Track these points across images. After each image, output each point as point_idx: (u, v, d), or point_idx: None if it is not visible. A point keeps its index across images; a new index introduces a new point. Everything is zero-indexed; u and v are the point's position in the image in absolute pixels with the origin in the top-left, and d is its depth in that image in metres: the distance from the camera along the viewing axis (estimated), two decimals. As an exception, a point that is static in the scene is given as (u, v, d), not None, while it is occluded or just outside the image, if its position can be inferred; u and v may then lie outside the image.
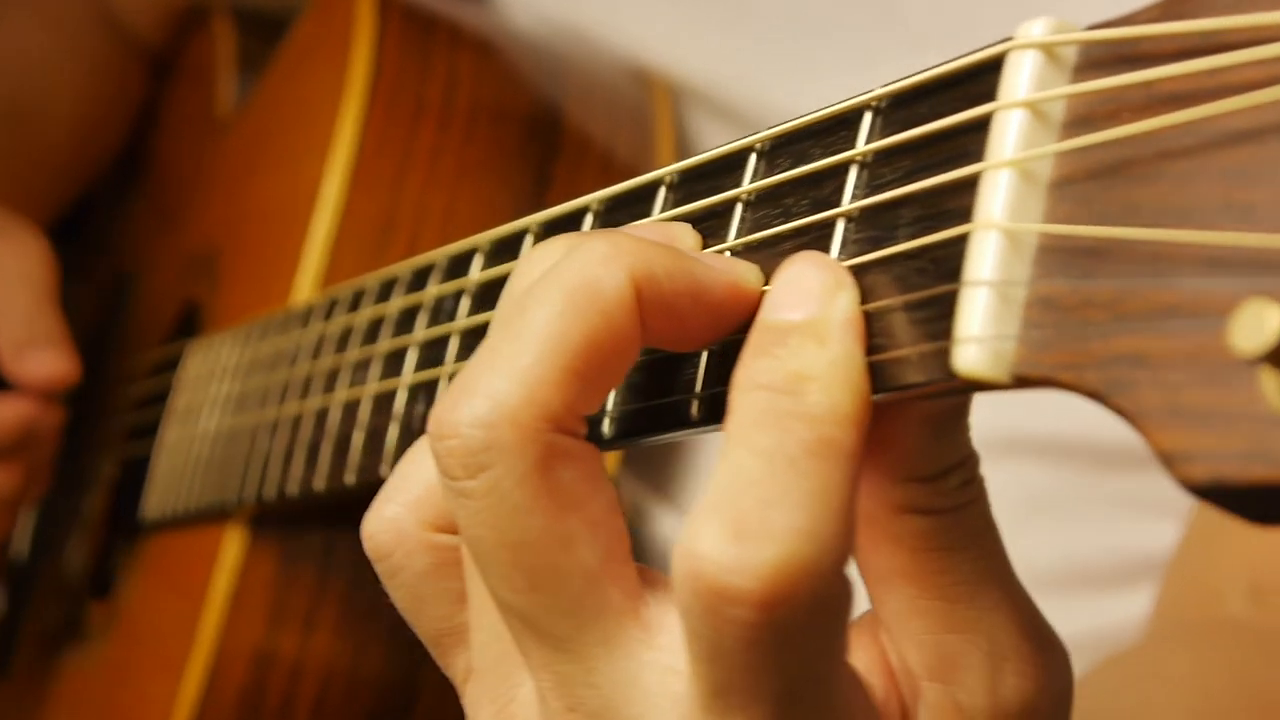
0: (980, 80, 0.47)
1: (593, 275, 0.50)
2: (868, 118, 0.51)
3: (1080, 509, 0.96)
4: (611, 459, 0.94)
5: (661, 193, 0.60)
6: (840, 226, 0.51)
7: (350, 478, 0.80)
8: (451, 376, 0.73)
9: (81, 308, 1.27)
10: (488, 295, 0.71)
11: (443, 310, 0.74)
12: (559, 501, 0.49)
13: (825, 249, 0.51)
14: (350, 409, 0.82)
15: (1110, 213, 0.43)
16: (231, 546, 0.91)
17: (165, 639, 0.96)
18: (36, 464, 1.12)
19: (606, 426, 0.57)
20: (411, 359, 0.76)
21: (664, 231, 0.57)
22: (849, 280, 0.49)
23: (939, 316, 0.46)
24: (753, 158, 0.56)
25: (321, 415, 0.84)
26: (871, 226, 0.50)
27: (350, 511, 0.87)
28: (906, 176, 0.49)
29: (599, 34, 1.08)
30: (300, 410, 0.87)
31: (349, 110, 0.95)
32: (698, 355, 0.55)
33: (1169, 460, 0.40)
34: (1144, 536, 0.96)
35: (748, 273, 0.53)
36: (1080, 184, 0.44)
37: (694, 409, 0.55)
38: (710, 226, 0.57)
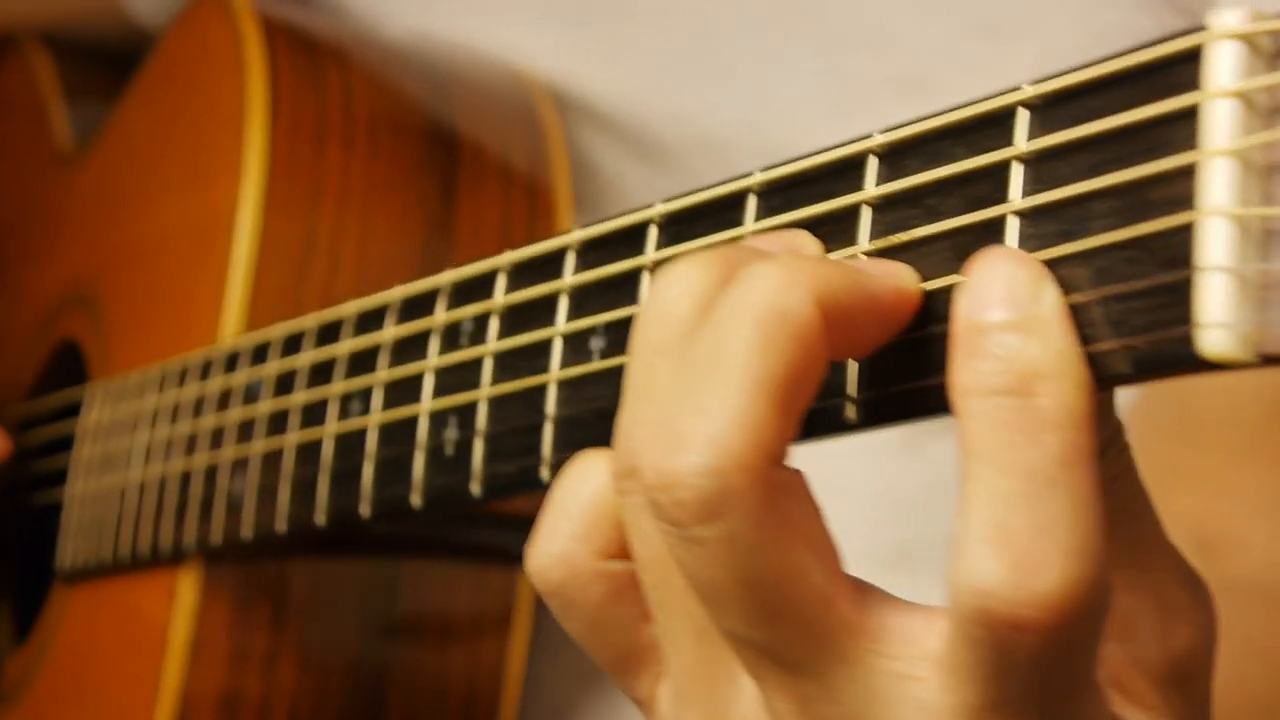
0: (1173, 72, 0.49)
1: (781, 303, 0.50)
2: (1022, 115, 0.53)
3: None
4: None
5: (752, 201, 0.61)
6: (1014, 223, 0.52)
7: (320, 518, 0.80)
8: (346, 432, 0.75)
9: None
10: (404, 350, 0.75)
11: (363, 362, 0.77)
12: (788, 533, 0.50)
13: (995, 244, 0.52)
14: (308, 449, 0.81)
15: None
16: (186, 591, 0.89)
17: (117, 690, 0.93)
18: None
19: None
20: (333, 410, 0.79)
21: (786, 240, 0.58)
22: (1048, 273, 0.50)
23: (1170, 304, 0.48)
24: (872, 160, 0.57)
25: (274, 456, 0.83)
26: (1055, 221, 0.51)
27: (300, 544, 0.86)
28: (1091, 170, 0.50)
29: (468, 40, 1.08)
30: (248, 452, 0.85)
31: (253, 135, 0.93)
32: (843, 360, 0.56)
33: None
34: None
35: (907, 275, 0.54)
36: (1310, 167, 0.46)
37: (849, 412, 0.56)
38: (828, 232, 0.58)
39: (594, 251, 0.67)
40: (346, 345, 0.80)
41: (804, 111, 1.00)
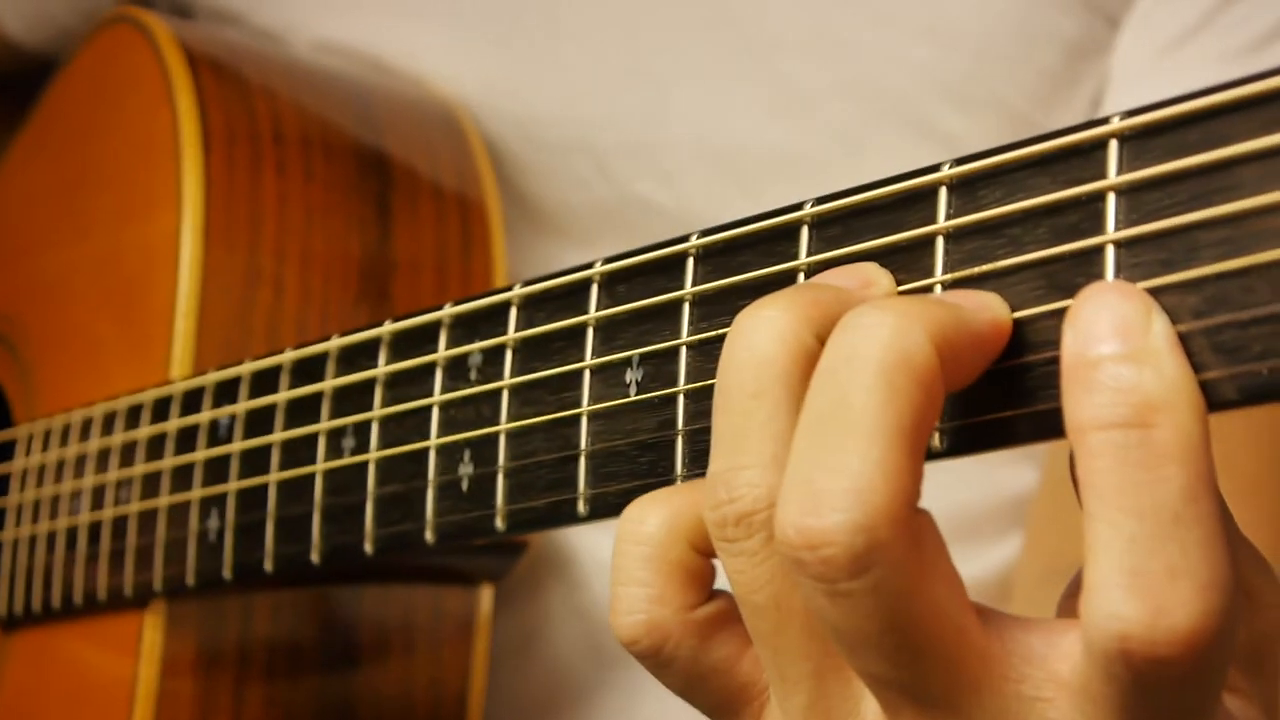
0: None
1: (901, 349, 0.51)
2: (1113, 146, 0.54)
3: (965, 462, 1.02)
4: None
5: (805, 233, 0.61)
6: (1110, 253, 0.53)
7: (315, 556, 0.79)
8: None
9: None
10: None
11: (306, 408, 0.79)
12: (929, 575, 0.51)
13: (1090, 275, 0.53)
14: (295, 486, 0.80)
15: None
16: (152, 634, 0.87)
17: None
18: None
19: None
20: (276, 457, 0.81)
21: (859, 275, 0.58)
22: (1156, 304, 0.51)
23: (1283, 332, 0.49)
24: (943, 192, 0.58)
25: (255, 494, 0.82)
26: (1158, 251, 0.52)
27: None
28: (1194, 200, 0.52)
29: (382, 57, 1.06)
30: (223, 491, 0.84)
31: (189, 166, 0.91)
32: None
33: None
34: (1014, 481, 1.03)
35: (999, 305, 0.55)
36: None
37: (936, 441, 0.57)
38: (898, 262, 0.59)
39: (622, 283, 0.67)
40: (332, 381, 0.78)
41: (746, 115, 1.00)
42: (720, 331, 0.62)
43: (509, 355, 0.71)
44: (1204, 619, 0.48)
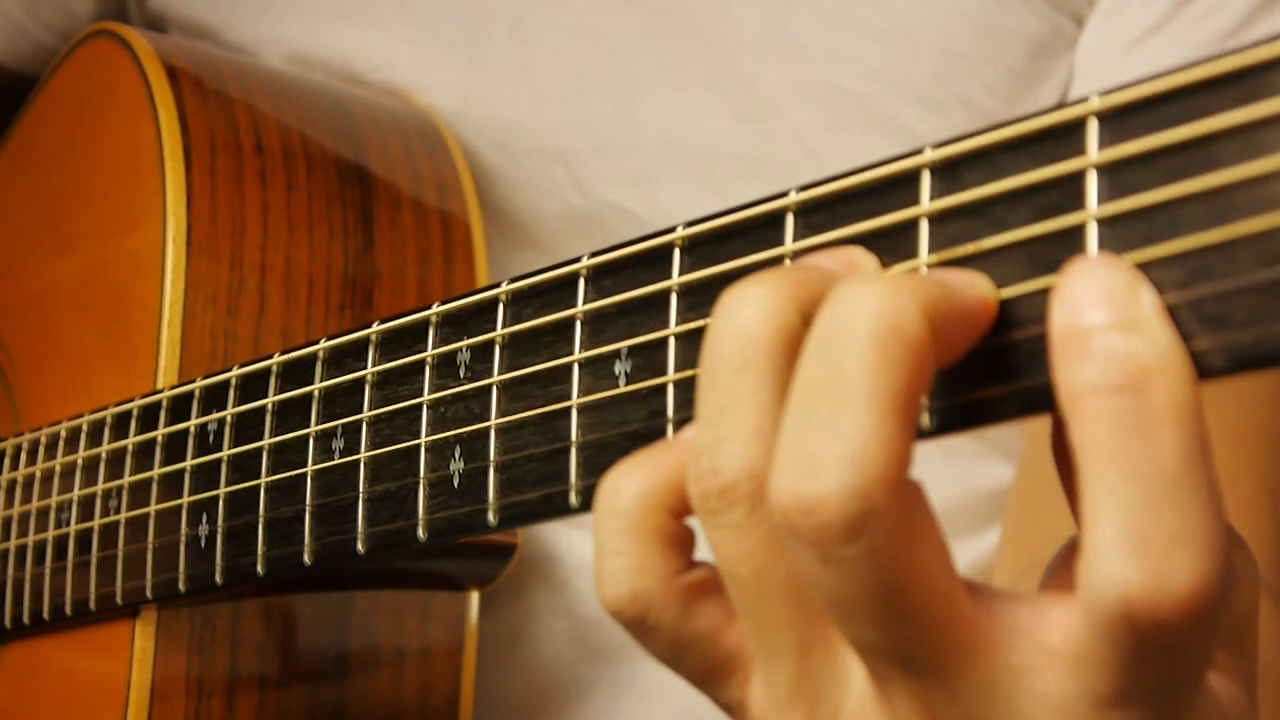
0: (1262, 78, 0.51)
1: (893, 319, 0.52)
2: (1092, 125, 0.55)
3: (932, 458, 1.03)
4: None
5: (790, 221, 0.62)
6: (1092, 230, 0.54)
7: (308, 557, 0.79)
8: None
9: None
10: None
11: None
12: (921, 543, 0.52)
13: (1073, 251, 0.54)
14: (285, 489, 0.81)
15: None
16: (143, 641, 0.88)
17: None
18: None
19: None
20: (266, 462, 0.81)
21: (844, 257, 0.59)
22: (1143, 275, 0.52)
23: (1270, 300, 0.50)
24: (926, 175, 0.59)
25: (245, 497, 0.83)
26: (1139, 225, 0.53)
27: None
28: (1173, 175, 0.53)
29: (355, 69, 1.07)
30: (214, 496, 0.84)
31: (172, 178, 0.92)
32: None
33: None
34: (990, 476, 1.04)
35: (985, 283, 0.56)
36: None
37: (925, 420, 0.58)
38: (883, 245, 0.60)
39: (609, 277, 0.68)
40: (320, 384, 0.79)
41: (713, 119, 1.01)
42: (707, 321, 0.63)
43: (498, 351, 0.71)
44: (1205, 581, 0.49)
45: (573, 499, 0.68)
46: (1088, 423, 0.50)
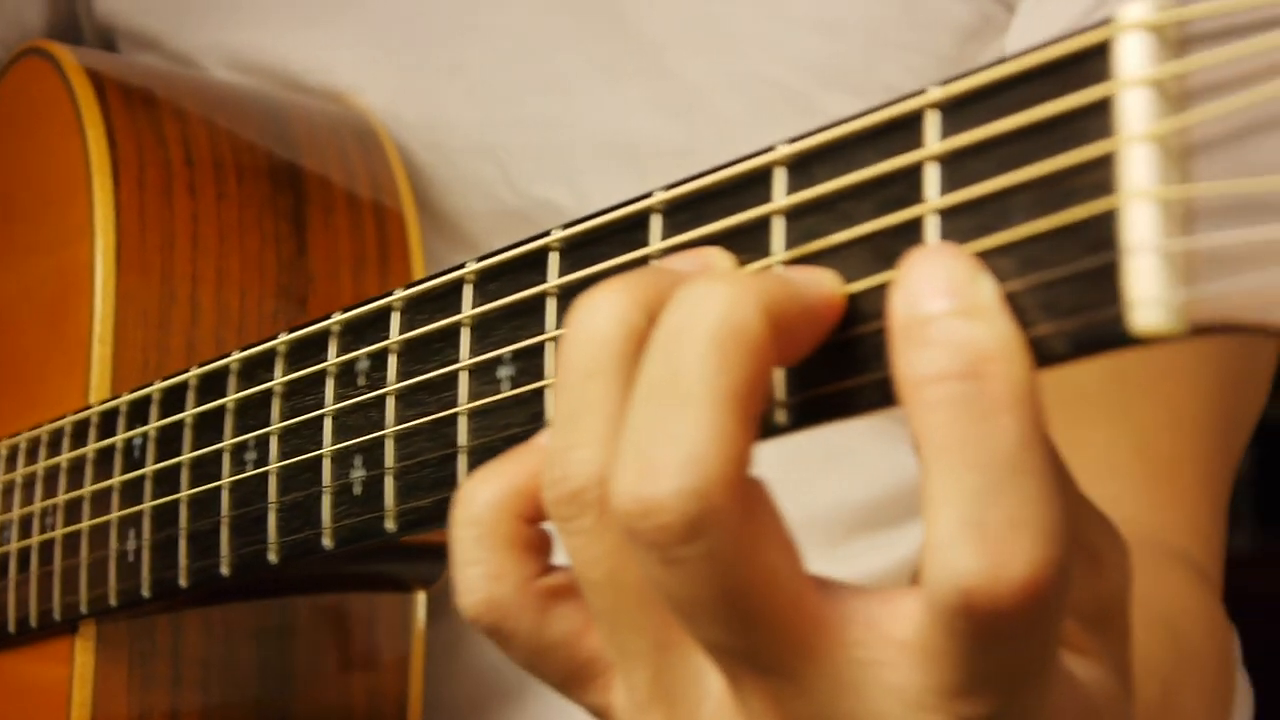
0: (1085, 65, 0.51)
1: (731, 319, 0.52)
2: (931, 117, 0.55)
3: (869, 452, 1.02)
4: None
5: (656, 220, 0.62)
6: (931, 222, 0.54)
7: (225, 569, 0.80)
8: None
9: None
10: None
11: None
12: (763, 541, 0.52)
13: (914, 244, 0.54)
14: (204, 502, 0.81)
15: (1263, 165, 0.48)
16: (83, 656, 0.89)
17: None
18: None
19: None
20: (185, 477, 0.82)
21: (699, 258, 0.59)
22: (980, 264, 0.52)
23: (1096, 286, 0.50)
24: (778, 172, 0.59)
25: (167, 511, 0.83)
26: (975, 216, 0.53)
27: (195, 595, 0.86)
28: (1006, 165, 0.52)
29: (292, 71, 1.08)
30: (139, 510, 0.85)
31: (100, 194, 0.92)
32: (770, 366, 0.57)
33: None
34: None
35: (831, 279, 0.56)
36: (1224, 144, 0.49)
37: (780, 416, 0.58)
38: (739, 244, 0.59)
39: (493, 281, 0.68)
40: (233, 396, 0.79)
41: (643, 113, 1.01)
42: (577, 325, 0.63)
43: (393, 360, 0.72)
44: (1044, 567, 0.49)
45: None
46: (928, 410, 0.50)
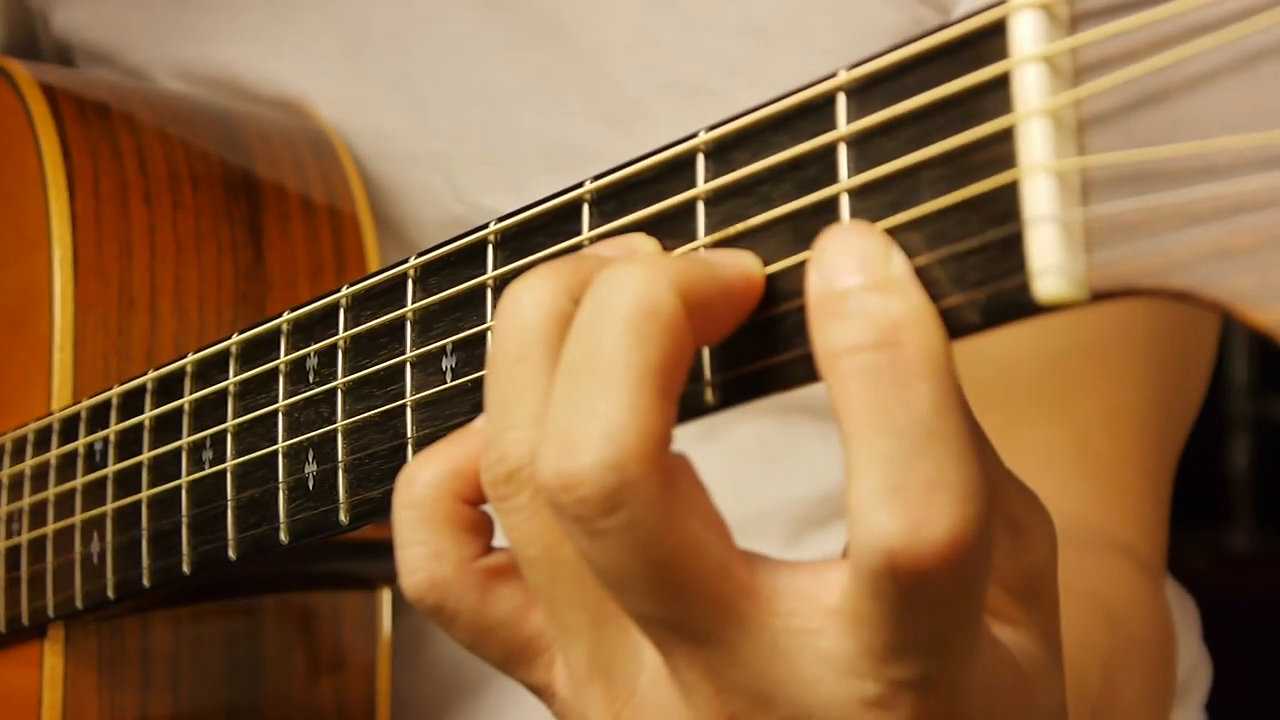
0: (981, 44, 0.53)
1: (646, 299, 0.54)
2: (841, 100, 0.56)
3: (811, 449, 1.04)
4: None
5: (586, 210, 0.64)
6: (845, 201, 0.56)
7: (186, 567, 0.81)
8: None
9: None
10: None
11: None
12: (685, 512, 0.53)
13: (830, 223, 0.56)
14: (164, 502, 0.83)
15: (1153, 134, 0.50)
16: (52, 659, 0.90)
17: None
18: None
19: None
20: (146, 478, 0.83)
21: (624, 244, 0.61)
22: (892, 240, 0.54)
23: (1001, 257, 0.52)
24: (700, 159, 0.60)
25: (129, 513, 0.85)
26: (885, 194, 0.55)
27: (162, 597, 0.87)
28: (912, 143, 0.54)
29: (240, 81, 1.09)
30: (101, 513, 0.87)
31: (56, 205, 0.94)
32: (697, 346, 0.59)
33: (1276, 333, 0.48)
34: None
35: (750, 261, 0.58)
36: (1115, 117, 0.51)
37: (708, 395, 0.59)
38: (665, 230, 0.61)
39: (434, 275, 0.70)
40: (189, 397, 0.81)
41: (582, 122, 1.03)
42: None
43: (340, 355, 0.73)
44: (963, 527, 0.51)
45: None
46: (845, 380, 0.52)
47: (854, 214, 0.56)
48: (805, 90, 0.58)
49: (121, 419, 0.86)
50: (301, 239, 1.00)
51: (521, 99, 1.03)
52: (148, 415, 0.84)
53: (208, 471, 0.80)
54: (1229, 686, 1.11)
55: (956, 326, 0.53)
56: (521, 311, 0.57)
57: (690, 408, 0.59)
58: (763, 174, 0.58)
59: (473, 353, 0.67)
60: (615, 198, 0.63)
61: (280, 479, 0.76)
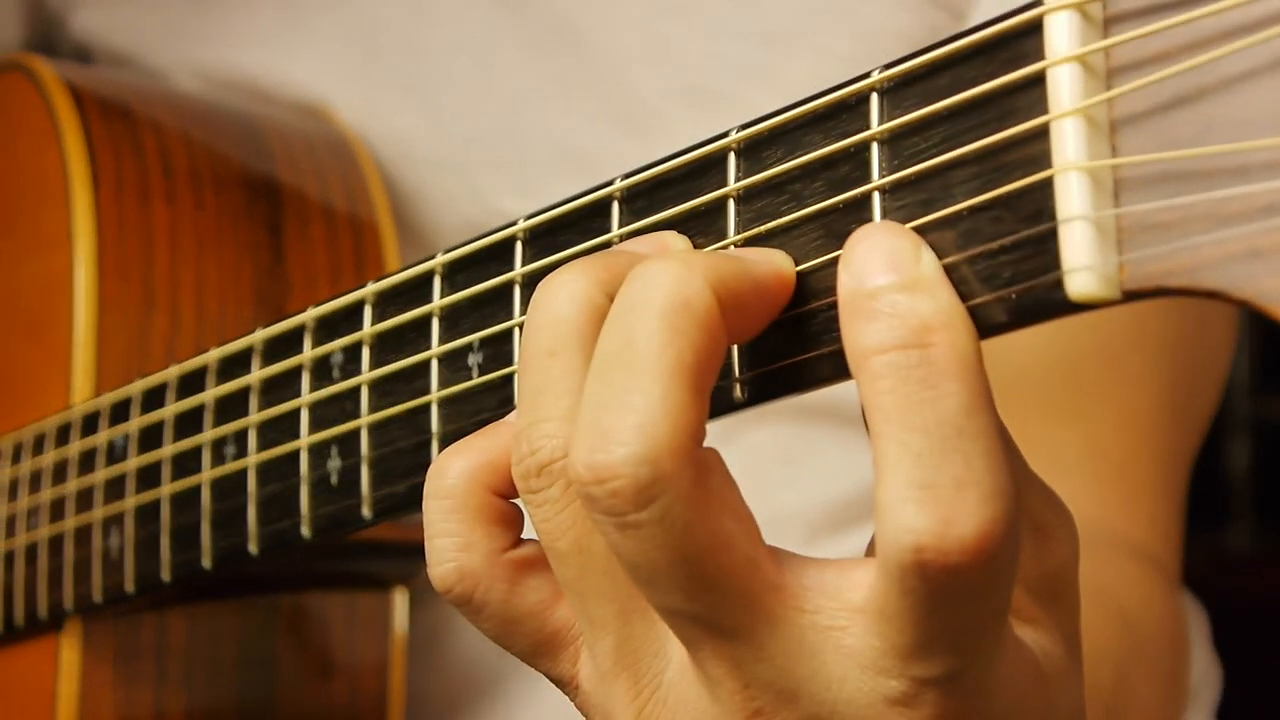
0: (1016, 45, 0.53)
1: (682, 294, 0.54)
2: (874, 99, 0.57)
3: (828, 455, 1.05)
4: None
5: (616, 208, 0.65)
6: (877, 199, 0.56)
7: (206, 562, 0.82)
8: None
9: None
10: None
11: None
12: (716, 508, 0.54)
13: (862, 221, 0.57)
14: (185, 498, 0.83)
15: (1186, 135, 0.50)
16: (69, 653, 0.91)
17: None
18: None
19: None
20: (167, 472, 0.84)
21: (656, 241, 0.61)
22: (922, 239, 0.54)
23: (1034, 255, 0.52)
24: (732, 157, 0.61)
25: (150, 508, 0.85)
26: (917, 192, 0.55)
27: (178, 592, 0.88)
28: (946, 142, 0.55)
29: (258, 85, 1.10)
30: (121, 509, 0.87)
31: (79, 203, 0.95)
32: (728, 343, 0.60)
33: (1307, 330, 0.48)
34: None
35: (782, 258, 0.58)
36: (1148, 118, 0.51)
37: (738, 392, 0.60)
38: (696, 228, 0.62)
39: (461, 272, 0.70)
40: (212, 392, 0.81)
41: (598, 126, 1.03)
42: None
43: (366, 351, 0.74)
44: (992, 525, 0.52)
45: None
46: (875, 379, 0.53)
47: (886, 212, 0.56)
48: (838, 90, 0.58)
49: (143, 414, 0.86)
50: (321, 241, 1.00)
51: (536, 103, 1.04)
52: (169, 409, 0.84)
53: (230, 466, 0.80)
54: (1229, 686, 1.12)
55: (986, 325, 0.54)
56: (556, 305, 0.58)
57: (720, 404, 0.60)
58: (795, 172, 0.59)
59: (499, 349, 0.68)
60: (646, 195, 0.64)
61: (303, 474, 0.76)
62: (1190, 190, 0.50)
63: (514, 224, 0.68)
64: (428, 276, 0.71)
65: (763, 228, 0.59)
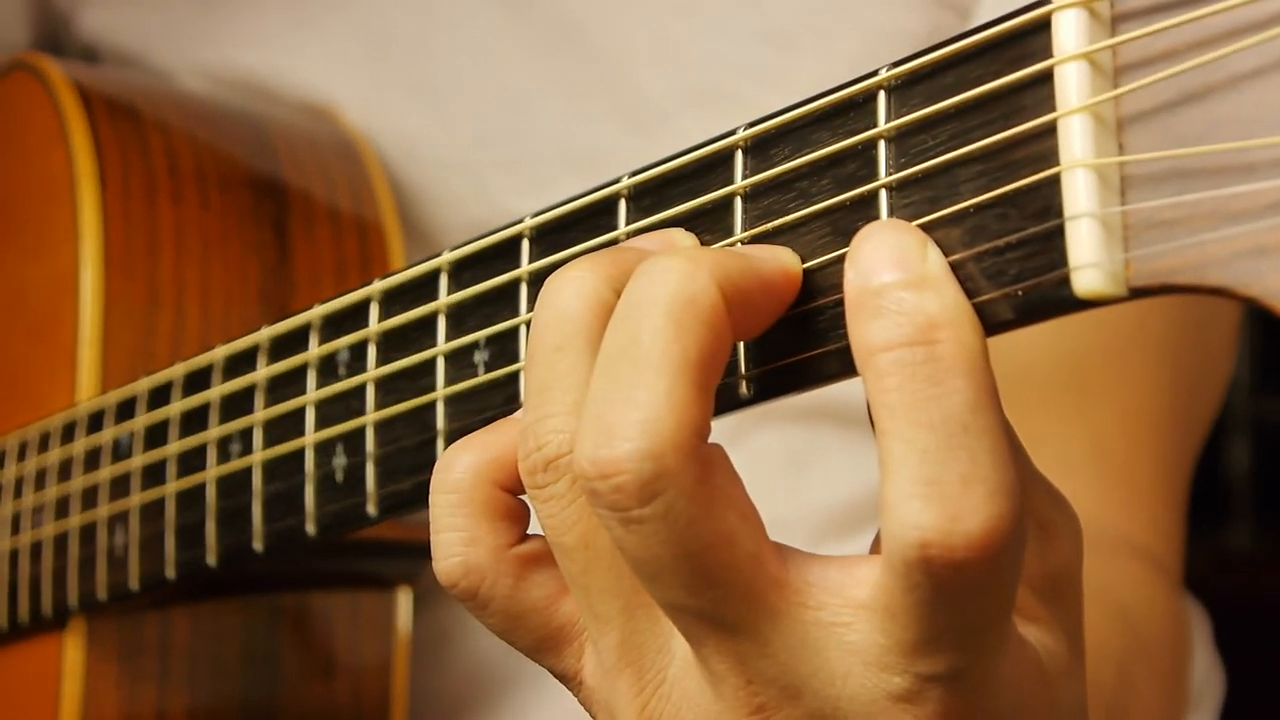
0: (1024, 43, 0.53)
1: (687, 291, 0.54)
2: (882, 97, 0.57)
3: (834, 458, 1.05)
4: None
5: (623, 205, 0.65)
6: (884, 197, 0.57)
7: (212, 559, 0.82)
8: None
9: None
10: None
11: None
12: (720, 504, 0.54)
13: (869, 219, 0.57)
14: (190, 495, 0.83)
15: (1192, 134, 0.50)
16: (73, 651, 0.91)
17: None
18: None
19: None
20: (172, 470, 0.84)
21: (663, 238, 0.62)
22: (928, 237, 0.55)
23: (1041, 252, 0.52)
24: (739, 155, 0.61)
25: (154, 506, 0.85)
26: (925, 189, 0.55)
27: (182, 591, 0.88)
28: (953, 140, 0.55)
29: (267, 85, 1.10)
30: (125, 506, 0.87)
31: (86, 202, 0.95)
32: (733, 341, 0.60)
33: (1313, 327, 0.48)
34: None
35: (788, 256, 0.58)
36: (1155, 115, 0.51)
37: (744, 389, 0.60)
38: (702, 225, 0.62)
39: (467, 270, 0.70)
40: (218, 390, 0.82)
41: (606, 126, 1.04)
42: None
43: (371, 349, 0.74)
44: (997, 521, 0.52)
45: None
46: (882, 376, 0.53)
47: (893, 210, 0.56)
48: (846, 87, 0.58)
49: (149, 412, 0.86)
50: (326, 241, 1.00)
51: (543, 103, 1.04)
52: (175, 406, 0.85)
53: (235, 464, 0.80)
54: (1229, 686, 1.12)
55: (992, 322, 0.54)
56: (563, 301, 0.58)
57: (726, 400, 0.60)
58: (802, 169, 0.59)
59: (505, 347, 0.68)
60: (653, 193, 0.64)
61: (308, 471, 0.76)
62: (1197, 188, 0.50)
63: (520, 222, 0.68)
64: (434, 274, 0.71)
65: (769, 225, 0.60)
